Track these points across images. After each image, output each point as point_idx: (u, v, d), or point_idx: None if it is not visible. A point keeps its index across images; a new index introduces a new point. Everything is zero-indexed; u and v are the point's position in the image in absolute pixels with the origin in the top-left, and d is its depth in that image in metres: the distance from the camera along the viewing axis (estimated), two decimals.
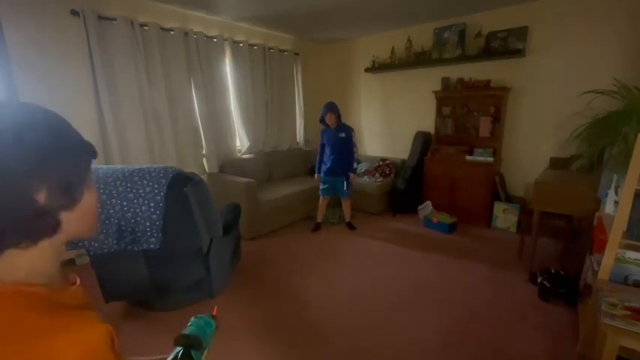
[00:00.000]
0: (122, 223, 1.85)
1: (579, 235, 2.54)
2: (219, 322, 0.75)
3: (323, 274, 2.65)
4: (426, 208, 3.77)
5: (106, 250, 1.88)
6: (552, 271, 2.26)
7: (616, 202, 1.62)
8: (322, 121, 3.34)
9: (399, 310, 2.16)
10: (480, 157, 3.45)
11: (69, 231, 0.47)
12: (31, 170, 0.41)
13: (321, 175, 3.46)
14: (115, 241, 1.86)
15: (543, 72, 3.21)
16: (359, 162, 3.90)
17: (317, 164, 3.52)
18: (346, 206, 3.56)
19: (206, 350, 0.66)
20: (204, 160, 3.58)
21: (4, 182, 0.39)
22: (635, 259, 1.45)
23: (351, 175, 3.38)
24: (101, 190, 1.83)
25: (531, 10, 3.15)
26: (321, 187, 3.49)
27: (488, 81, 3.43)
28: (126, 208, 1.84)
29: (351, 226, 3.58)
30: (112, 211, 1.83)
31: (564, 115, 3.08)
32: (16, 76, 2.35)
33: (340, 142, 3.29)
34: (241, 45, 3.72)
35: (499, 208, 3.41)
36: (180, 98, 3.24)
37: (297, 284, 2.50)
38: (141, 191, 1.85)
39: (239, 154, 3.99)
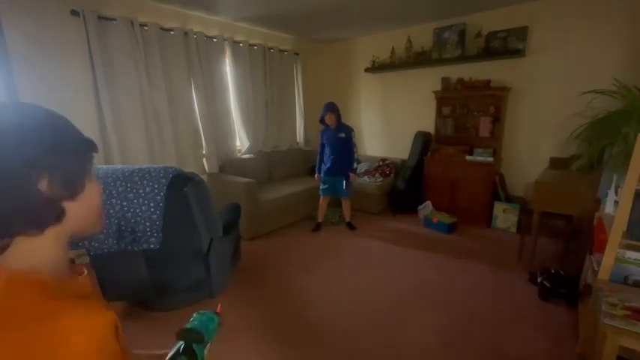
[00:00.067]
0: (122, 223, 1.85)
1: (579, 235, 2.54)
2: (222, 320, 0.76)
3: (323, 274, 2.65)
4: (426, 208, 3.77)
5: (106, 250, 1.87)
6: (552, 271, 2.26)
7: (616, 202, 1.62)
8: (322, 121, 3.34)
9: (399, 310, 2.16)
10: (480, 157, 3.45)
11: (73, 222, 0.49)
12: (35, 164, 0.43)
13: (321, 175, 3.46)
14: (115, 241, 1.86)
15: (543, 72, 3.21)
16: (359, 162, 3.90)
17: (317, 164, 3.52)
18: (346, 206, 3.56)
19: (208, 344, 0.66)
20: (204, 160, 3.58)
21: (9, 178, 0.41)
22: (635, 259, 1.45)
23: (351, 175, 3.38)
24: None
25: (531, 10, 3.15)
26: (321, 187, 3.49)
27: (488, 81, 3.43)
28: (126, 208, 1.84)
29: (351, 226, 3.58)
30: (112, 211, 1.83)
31: (564, 115, 3.08)
32: (16, 75, 2.35)
33: (340, 142, 3.29)
34: (241, 45, 3.72)
35: (499, 208, 3.41)
36: (180, 98, 3.24)
37: (297, 284, 2.50)
38: (141, 191, 1.85)
39: (239, 154, 3.99)
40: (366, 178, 4.05)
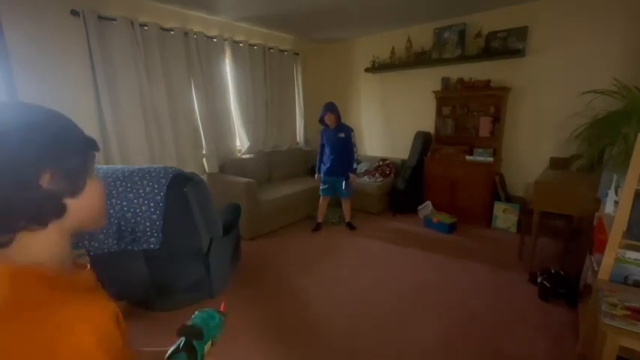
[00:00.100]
0: (122, 223, 1.85)
1: (579, 235, 2.54)
2: (225, 318, 0.76)
3: (323, 274, 2.65)
4: (426, 208, 3.77)
5: (106, 250, 1.87)
6: (552, 271, 2.26)
7: (616, 202, 1.62)
8: (322, 121, 3.34)
9: (399, 310, 2.16)
10: (480, 157, 3.45)
11: (75, 218, 0.50)
12: (37, 164, 0.44)
13: (321, 175, 3.46)
14: (115, 241, 1.86)
15: (543, 72, 3.21)
16: (359, 162, 3.89)
17: (317, 164, 3.52)
18: (346, 206, 3.56)
19: (209, 342, 0.67)
20: (204, 160, 3.58)
21: (12, 177, 0.42)
22: (635, 259, 1.45)
23: (351, 175, 3.38)
24: None
25: (531, 10, 3.15)
26: (321, 187, 3.49)
27: (488, 81, 3.43)
28: (126, 208, 1.84)
29: (351, 226, 3.58)
30: (111, 211, 1.83)
31: (564, 115, 3.08)
32: (16, 75, 2.35)
33: (340, 143, 3.29)
34: (241, 45, 3.72)
35: (499, 208, 3.41)
36: (180, 98, 3.24)
37: (297, 284, 2.50)
38: (141, 191, 1.85)
39: (239, 154, 3.99)
40: (366, 178, 4.05)
